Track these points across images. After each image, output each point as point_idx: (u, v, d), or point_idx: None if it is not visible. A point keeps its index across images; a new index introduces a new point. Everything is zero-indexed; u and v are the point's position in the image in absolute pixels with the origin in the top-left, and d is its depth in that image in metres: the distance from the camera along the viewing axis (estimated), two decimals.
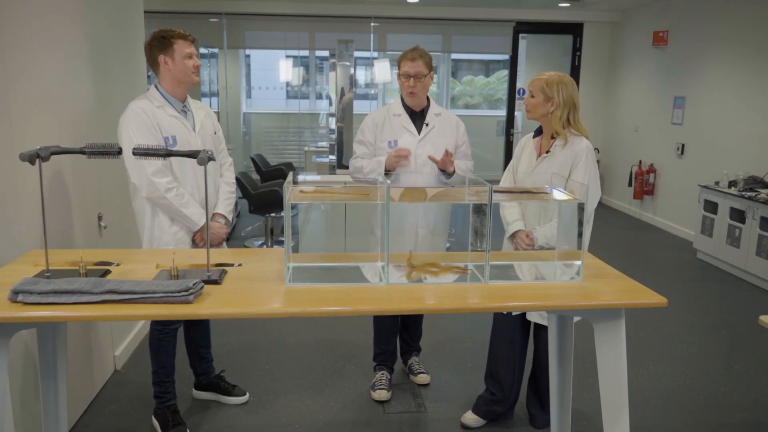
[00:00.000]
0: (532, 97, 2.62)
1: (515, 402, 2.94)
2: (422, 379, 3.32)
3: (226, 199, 2.85)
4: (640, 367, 3.59)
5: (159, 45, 2.60)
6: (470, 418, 2.94)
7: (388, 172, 2.91)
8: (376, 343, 3.27)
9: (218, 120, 3.00)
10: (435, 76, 3.10)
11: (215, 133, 2.83)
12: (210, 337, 3.10)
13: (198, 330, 3.03)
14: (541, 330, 2.78)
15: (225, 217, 2.82)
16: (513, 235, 2.65)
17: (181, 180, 2.64)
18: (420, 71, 2.90)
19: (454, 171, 2.94)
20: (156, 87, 2.66)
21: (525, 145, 2.77)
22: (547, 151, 2.64)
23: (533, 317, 2.74)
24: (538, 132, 2.74)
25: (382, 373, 3.24)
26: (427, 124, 3.01)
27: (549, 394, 2.56)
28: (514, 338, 2.80)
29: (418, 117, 3.03)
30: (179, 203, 2.58)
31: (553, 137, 2.65)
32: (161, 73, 2.64)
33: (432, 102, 3.08)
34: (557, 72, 2.65)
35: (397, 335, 3.31)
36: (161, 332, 2.73)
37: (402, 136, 2.99)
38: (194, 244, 2.72)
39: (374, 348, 3.29)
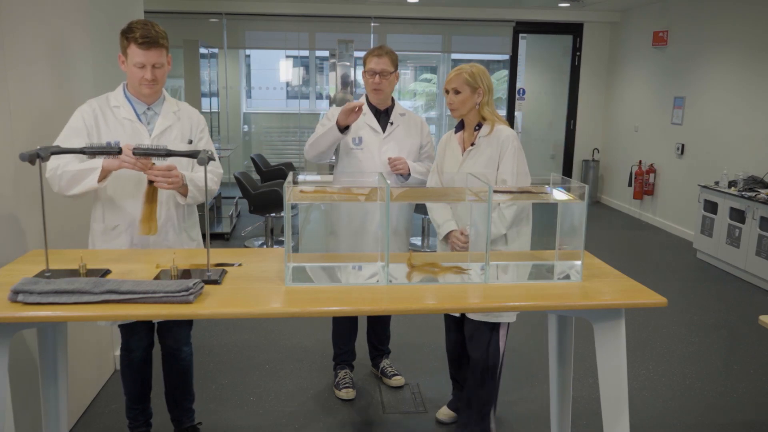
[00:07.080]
0: (457, 93, 2.56)
1: None
2: (397, 381, 3.30)
3: (196, 175, 2.37)
4: (640, 367, 3.59)
5: (120, 40, 2.29)
6: (444, 413, 2.99)
7: (345, 128, 2.80)
8: (336, 344, 3.27)
9: (218, 120, 2.84)
10: (399, 74, 3.04)
11: (190, 142, 2.43)
12: (190, 384, 2.67)
13: (174, 368, 2.62)
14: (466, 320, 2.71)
15: (187, 181, 2.32)
16: (446, 237, 2.64)
17: (117, 202, 2.35)
18: (385, 68, 2.88)
19: (410, 173, 2.92)
20: (124, 86, 2.39)
21: (448, 141, 2.75)
22: (472, 144, 2.63)
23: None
24: (460, 127, 2.71)
25: (345, 372, 3.26)
26: (391, 123, 3.00)
27: (466, 379, 2.65)
28: (450, 332, 2.91)
29: (382, 116, 3.02)
30: (75, 167, 2.18)
31: (476, 129, 2.63)
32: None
33: (396, 102, 3.08)
34: (467, 63, 2.62)
35: (356, 335, 3.29)
36: (123, 357, 2.57)
37: (367, 133, 2.97)
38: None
39: (334, 348, 3.29)
